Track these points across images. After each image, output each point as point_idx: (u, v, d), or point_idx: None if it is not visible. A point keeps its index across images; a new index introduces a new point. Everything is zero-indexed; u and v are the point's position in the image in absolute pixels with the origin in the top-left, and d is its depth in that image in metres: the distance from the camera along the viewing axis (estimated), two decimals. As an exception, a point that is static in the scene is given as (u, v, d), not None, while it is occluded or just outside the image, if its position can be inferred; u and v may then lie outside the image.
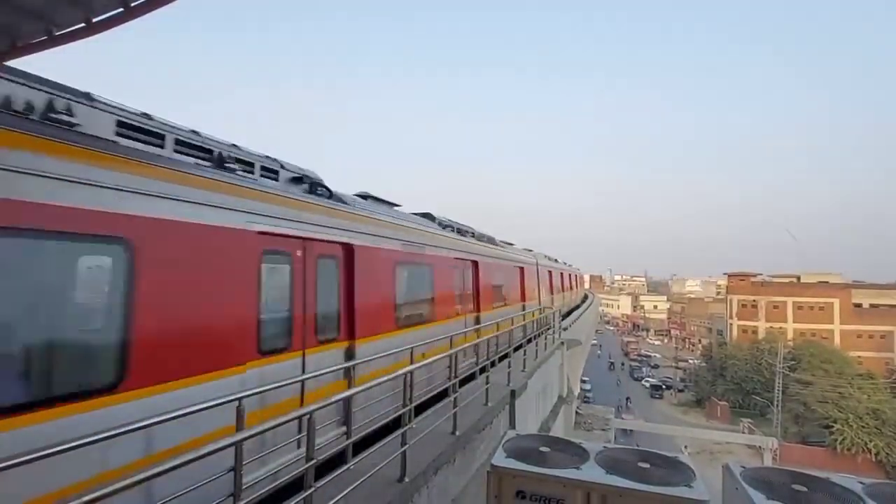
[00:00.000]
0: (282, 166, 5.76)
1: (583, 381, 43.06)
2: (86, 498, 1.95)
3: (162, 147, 4.15)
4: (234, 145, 5.10)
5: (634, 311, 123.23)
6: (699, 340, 78.82)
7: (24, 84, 3.28)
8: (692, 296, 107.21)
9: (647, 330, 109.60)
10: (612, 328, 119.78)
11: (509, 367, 9.34)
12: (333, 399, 3.92)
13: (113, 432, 2.45)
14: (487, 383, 7.74)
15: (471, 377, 8.08)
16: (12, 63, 7.04)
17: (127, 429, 2.54)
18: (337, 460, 4.42)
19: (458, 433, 6.03)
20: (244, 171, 4.97)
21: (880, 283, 59.08)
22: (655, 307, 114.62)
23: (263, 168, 5.38)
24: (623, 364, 77.33)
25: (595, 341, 79.63)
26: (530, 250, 20.29)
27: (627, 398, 55.35)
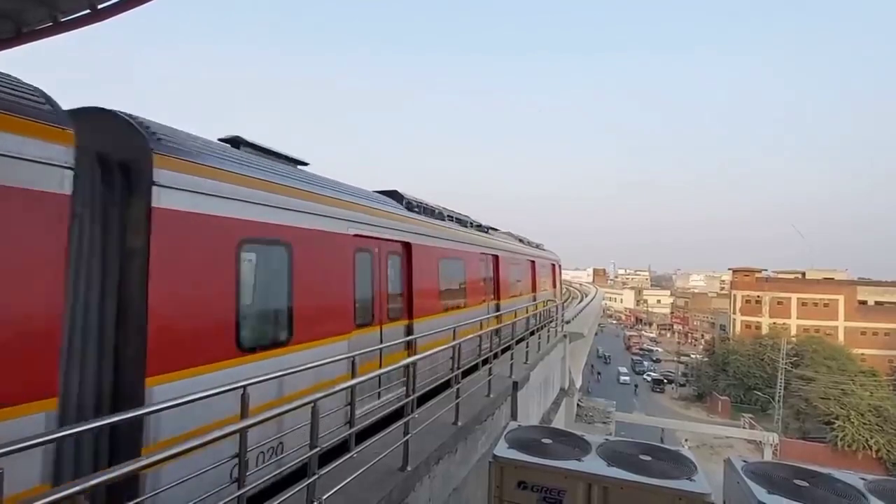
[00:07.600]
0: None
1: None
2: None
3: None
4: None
5: (637, 305, 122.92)
6: (702, 335, 78.63)
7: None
8: (696, 291, 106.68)
9: (650, 324, 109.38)
10: (614, 321, 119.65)
11: (511, 358, 9.37)
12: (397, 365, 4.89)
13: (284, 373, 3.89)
14: (490, 375, 7.77)
15: (473, 368, 8.10)
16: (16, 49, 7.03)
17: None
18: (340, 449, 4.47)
19: (460, 423, 6.07)
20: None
21: (886, 280, 58.57)
22: (659, 302, 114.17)
23: None
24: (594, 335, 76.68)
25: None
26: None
27: (599, 373, 55.08)
